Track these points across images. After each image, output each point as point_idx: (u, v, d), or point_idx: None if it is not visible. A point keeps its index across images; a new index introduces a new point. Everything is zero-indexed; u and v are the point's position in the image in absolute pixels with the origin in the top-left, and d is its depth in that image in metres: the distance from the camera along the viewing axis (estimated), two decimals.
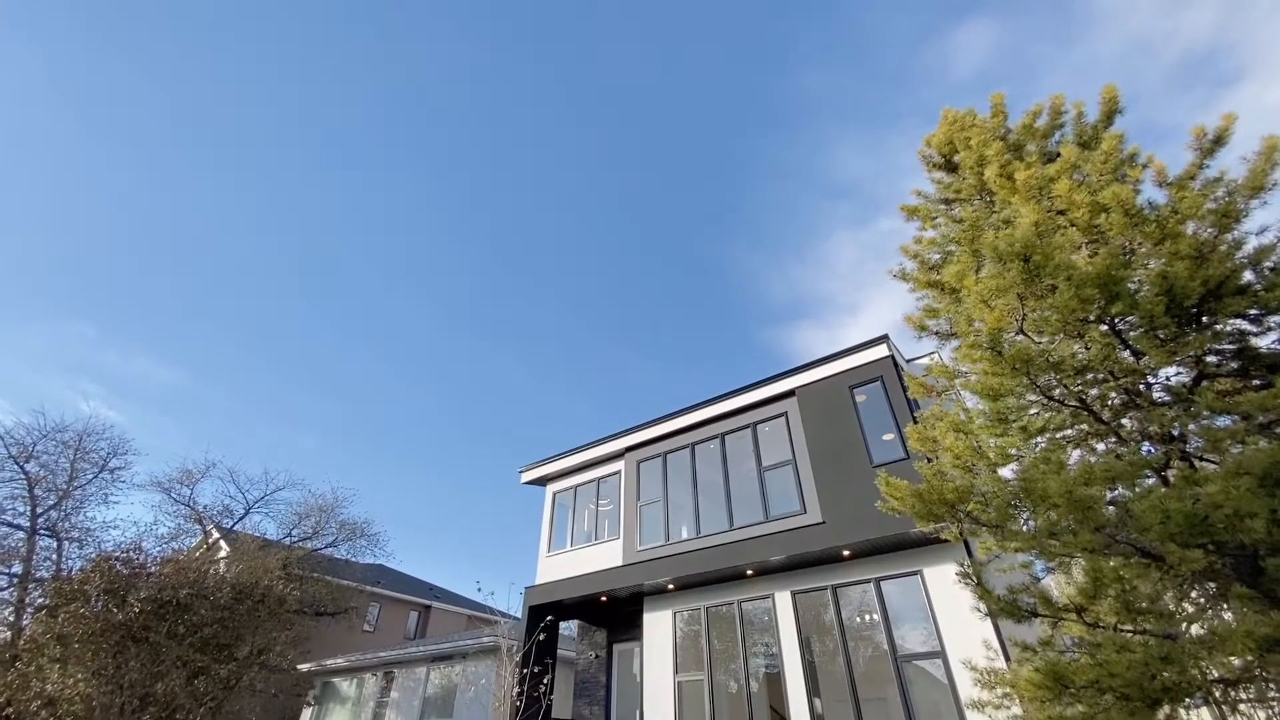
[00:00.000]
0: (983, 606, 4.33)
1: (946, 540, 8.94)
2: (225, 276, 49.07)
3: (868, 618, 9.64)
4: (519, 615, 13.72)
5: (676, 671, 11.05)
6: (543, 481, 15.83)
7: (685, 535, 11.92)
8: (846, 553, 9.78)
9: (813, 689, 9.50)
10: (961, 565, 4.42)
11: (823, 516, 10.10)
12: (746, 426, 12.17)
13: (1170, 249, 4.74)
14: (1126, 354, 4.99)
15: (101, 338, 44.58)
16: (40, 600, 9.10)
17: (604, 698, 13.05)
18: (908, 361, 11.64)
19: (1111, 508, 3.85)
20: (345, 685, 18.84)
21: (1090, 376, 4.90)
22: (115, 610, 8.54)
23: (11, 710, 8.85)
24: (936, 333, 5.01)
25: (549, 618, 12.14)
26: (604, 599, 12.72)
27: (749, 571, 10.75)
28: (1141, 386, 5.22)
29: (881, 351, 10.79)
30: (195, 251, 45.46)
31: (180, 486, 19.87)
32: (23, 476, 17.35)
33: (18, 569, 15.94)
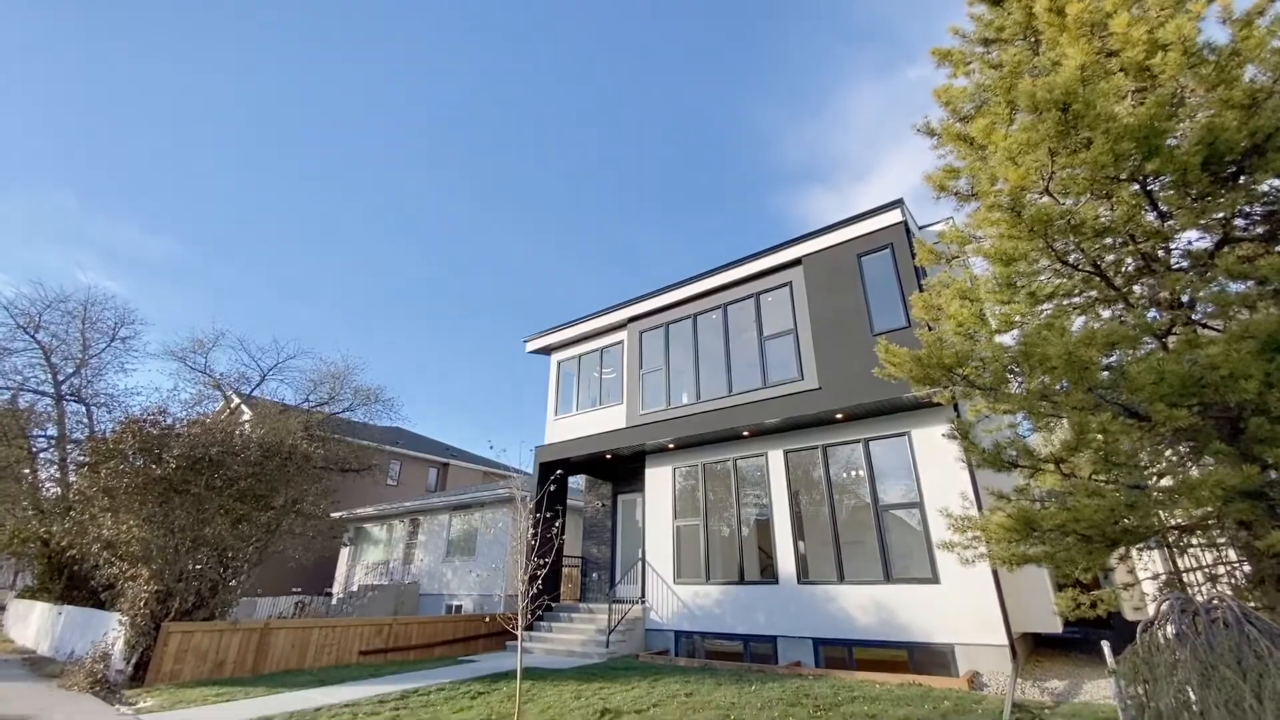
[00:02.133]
0: (969, 459, 4.59)
1: (937, 404, 9.33)
2: (209, 146, 46.06)
3: (854, 474, 10.34)
4: (530, 472, 14.80)
5: (675, 518, 12.13)
6: (547, 351, 16.15)
7: (685, 401, 12.41)
8: (839, 416, 10.23)
9: (798, 534, 10.47)
10: (951, 424, 4.61)
11: (819, 383, 10.41)
12: (749, 297, 12.11)
13: (1222, 96, 4.31)
14: (1151, 216, 4.76)
15: (83, 205, 43.01)
16: (80, 458, 9.75)
17: (610, 539, 14.47)
18: (919, 229, 11.26)
19: (1106, 373, 3.91)
20: (376, 530, 20.87)
21: (1108, 241, 4.72)
22: (154, 466, 9.15)
23: (75, 552, 9.95)
24: (956, 193, 4.74)
25: (558, 471, 13.01)
26: (609, 456, 13.58)
27: (745, 433, 11.34)
28: (1160, 252, 5.06)
29: (894, 217, 10.38)
30: (175, 118, 42.25)
31: (194, 355, 20.41)
32: (36, 346, 17.75)
33: (53, 432, 16.96)
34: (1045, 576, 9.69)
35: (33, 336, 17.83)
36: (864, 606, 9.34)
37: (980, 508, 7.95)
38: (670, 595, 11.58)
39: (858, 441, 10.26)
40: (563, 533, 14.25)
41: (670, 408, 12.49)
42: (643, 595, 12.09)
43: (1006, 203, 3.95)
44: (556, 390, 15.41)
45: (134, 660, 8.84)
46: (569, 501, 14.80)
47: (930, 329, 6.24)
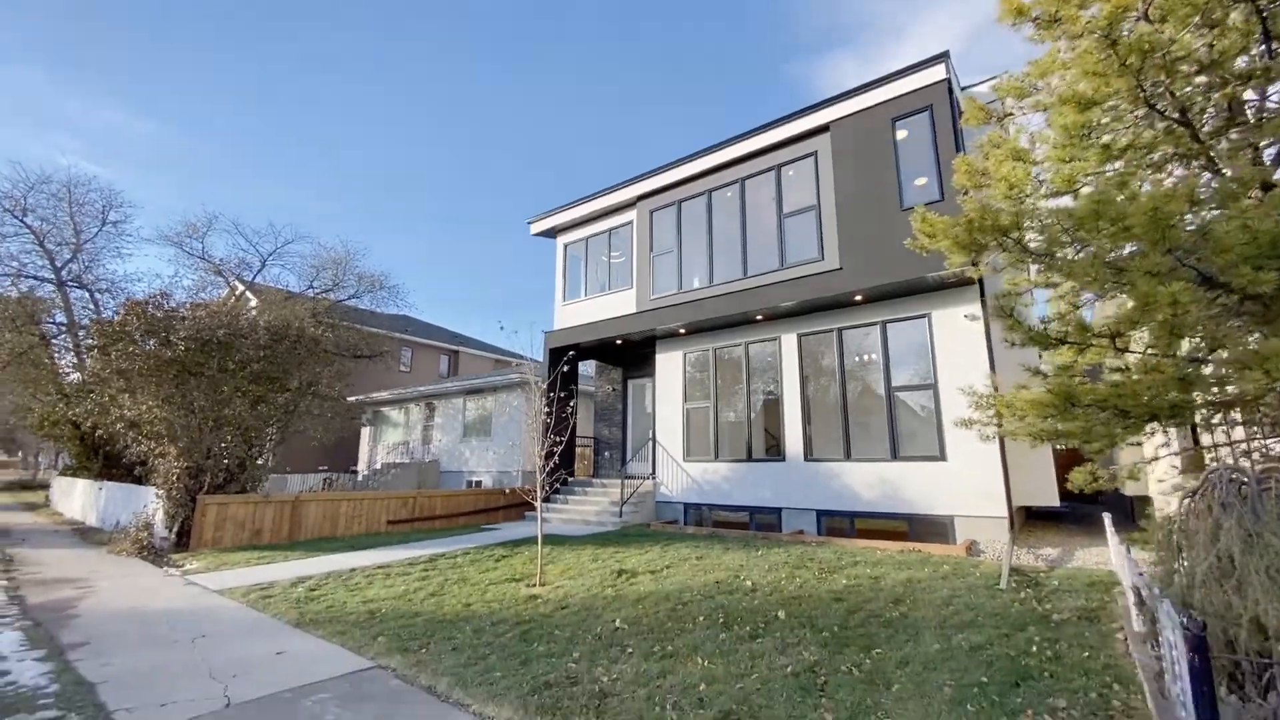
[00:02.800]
0: (1010, 338, 4.33)
1: (962, 284, 8.94)
2: (191, 20, 41.57)
3: (867, 357, 10.20)
4: (540, 359, 14.85)
5: (685, 401, 12.26)
6: (553, 233, 15.49)
7: (697, 284, 12.02)
8: (859, 298, 9.88)
9: (807, 416, 10.57)
10: (998, 298, 4.29)
11: (840, 263, 9.94)
12: (769, 170, 11.25)
13: None
14: (1258, 50, 4.07)
15: (53, 83, 39.95)
16: (90, 342, 9.72)
17: (621, 422, 14.83)
18: (962, 90, 10.12)
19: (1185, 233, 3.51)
20: (394, 414, 21.55)
21: (1202, 80, 4.07)
22: (164, 349, 9.10)
23: (101, 432, 10.27)
24: (1035, 19, 3.99)
25: (570, 352, 12.96)
26: (619, 342, 13.49)
27: (759, 317, 11.08)
28: (1252, 97, 4.41)
29: (937, 74, 9.27)
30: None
31: (190, 240, 19.84)
32: (27, 231, 17.22)
33: (61, 318, 17.00)
34: (1048, 453, 9.88)
35: (22, 220, 17.24)
36: (869, 482, 9.63)
37: (995, 388, 7.85)
38: (680, 472, 12.01)
39: (875, 324, 10.00)
40: (575, 413, 14.58)
41: (682, 292, 12.13)
42: (653, 472, 12.57)
43: (1102, 26, 3.30)
44: (564, 275, 14.98)
45: (175, 529, 9.42)
46: (580, 387, 14.97)
47: (968, 196, 5.71)
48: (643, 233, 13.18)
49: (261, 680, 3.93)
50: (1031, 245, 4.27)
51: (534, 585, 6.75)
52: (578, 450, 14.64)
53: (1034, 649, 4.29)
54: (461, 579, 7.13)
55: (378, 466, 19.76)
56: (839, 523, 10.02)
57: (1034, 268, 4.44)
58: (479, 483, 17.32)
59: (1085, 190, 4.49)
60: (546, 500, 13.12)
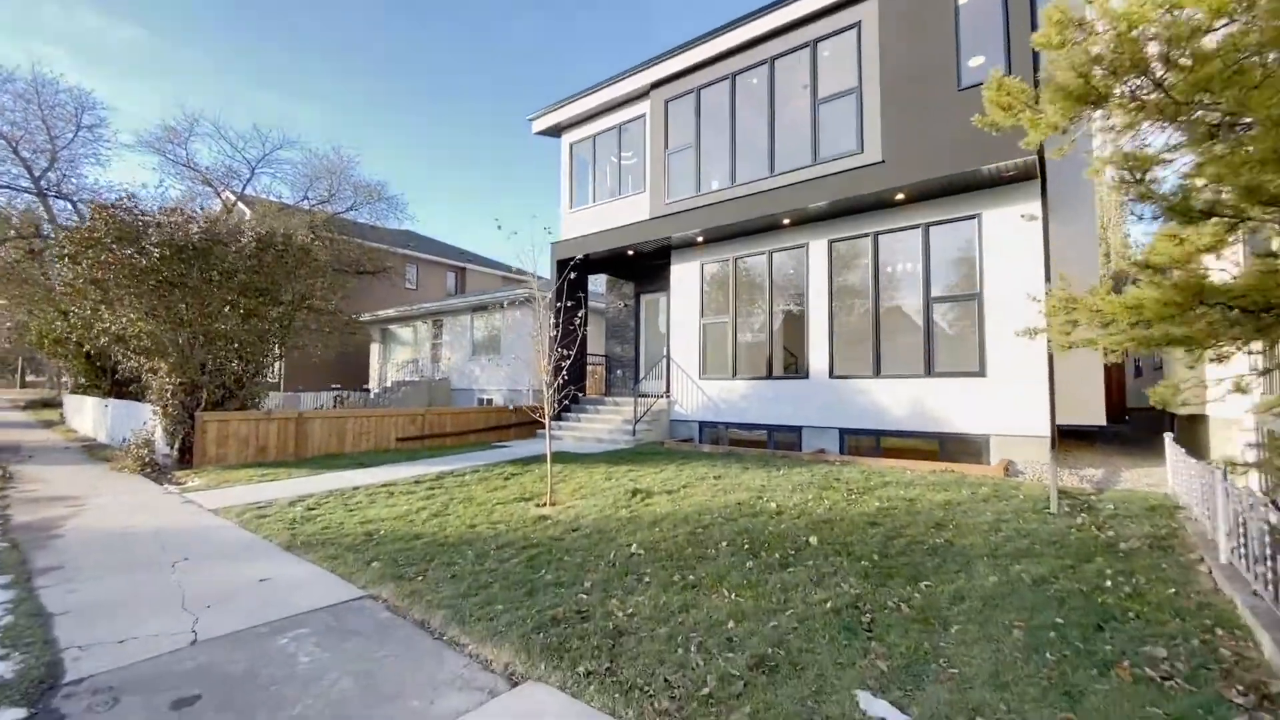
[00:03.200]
0: (1142, 207, 3.46)
1: (1023, 178, 7.80)
2: None
3: (905, 265, 9.25)
4: (547, 275, 14.00)
5: (702, 315, 11.50)
6: (557, 131, 14.12)
7: (717, 186, 10.88)
8: (900, 196, 8.78)
9: (834, 330, 9.80)
10: (1127, 160, 3.36)
11: (883, 155, 8.76)
12: (804, 46, 9.77)
13: None
14: None
15: None
16: (61, 250, 9.07)
17: (633, 338, 14.18)
18: None
19: None
20: (402, 331, 21.09)
21: None
22: (139, 256, 8.40)
23: (88, 346, 9.84)
24: None
25: (578, 257, 12.09)
26: (630, 253, 12.56)
27: (785, 220, 10.04)
28: None
29: None
30: None
31: (171, 146, 18.61)
32: None
33: (49, 231, 16.27)
34: (1098, 369, 9.12)
35: None
36: (898, 400, 9.01)
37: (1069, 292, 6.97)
38: (695, 390, 11.48)
39: (916, 227, 8.96)
40: (585, 325, 13.89)
41: (700, 194, 11.02)
42: (667, 390, 12.05)
43: None
44: (571, 179, 13.78)
45: (177, 445, 9.16)
46: (591, 304, 14.21)
47: (1058, 57, 4.59)
48: (657, 127, 11.85)
49: (237, 611, 3.54)
50: (1178, 86, 3.28)
51: (543, 505, 6.36)
52: (589, 368, 14.12)
53: (1108, 584, 3.76)
54: (468, 498, 6.77)
55: (389, 384, 19.56)
56: (863, 441, 9.51)
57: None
58: (489, 400, 17.06)
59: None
60: (557, 419, 12.78)
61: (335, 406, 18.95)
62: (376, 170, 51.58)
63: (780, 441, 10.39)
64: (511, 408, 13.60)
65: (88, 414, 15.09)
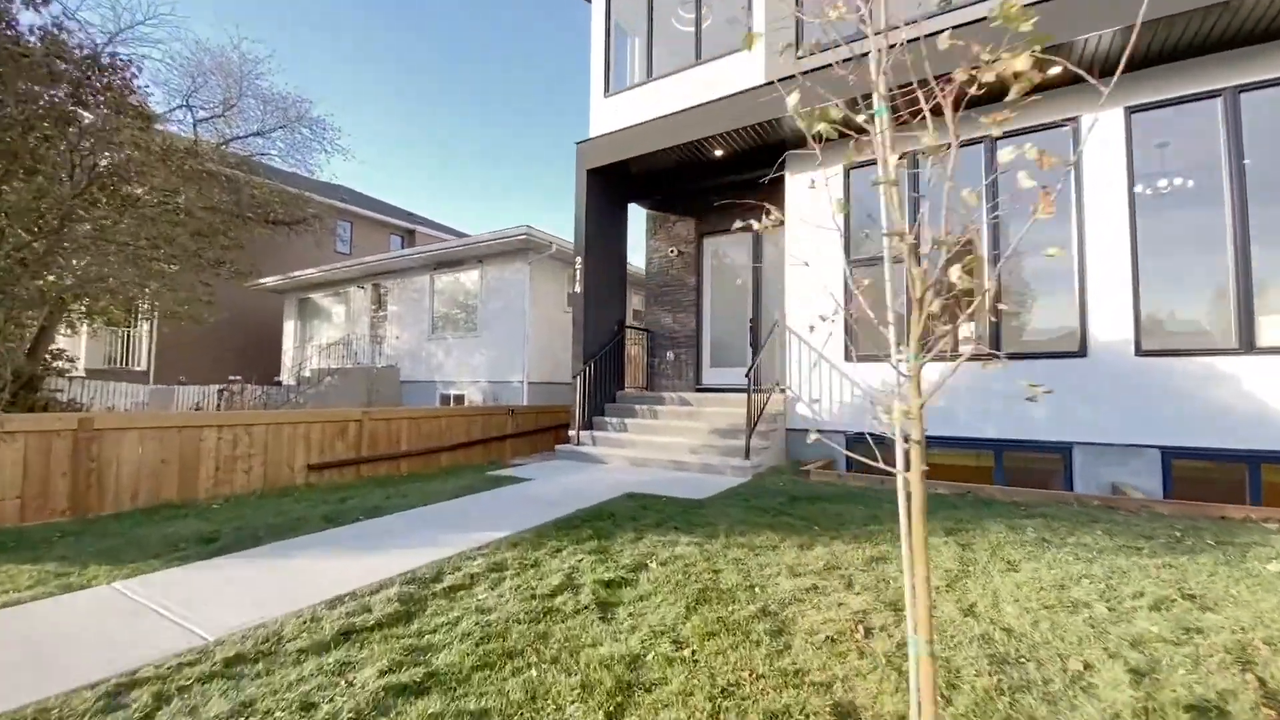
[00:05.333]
0: None
1: None
2: None
3: None
4: (543, 236, 9.07)
5: (849, 252, 6.90)
6: None
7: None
8: None
9: (1137, 274, 5.44)
10: None
11: None
12: None
13: None
14: None
15: None
16: None
17: (694, 305, 9.39)
18: None
19: None
20: (328, 301, 15.38)
21: None
22: None
23: None
24: None
25: (615, 179, 7.13)
26: (714, 154, 7.79)
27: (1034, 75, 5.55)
28: None
29: None
30: None
31: None
32: None
33: None
34: None
35: None
36: None
37: None
38: (836, 381, 6.86)
39: None
40: (626, 283, 9.02)
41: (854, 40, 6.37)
42: (781, 382, 7.37)
43: None
44: (607, 48, 8.81)
45: None
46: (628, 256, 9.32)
47: None
48: None
49: None
50: None
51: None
52: (628, 349, 9.22)
53: None
54: None
55: (306, 374, 13.85)
56: (1213, 471, 5.16)
57: None
58: (461, 398, 11.81)
59: None
60: (587, 426, 7.86)
61: (222, 406, 13.09)
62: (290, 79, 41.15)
63: (1015, 468, 5.93)
64: (510, 409, 8.53)
65: None
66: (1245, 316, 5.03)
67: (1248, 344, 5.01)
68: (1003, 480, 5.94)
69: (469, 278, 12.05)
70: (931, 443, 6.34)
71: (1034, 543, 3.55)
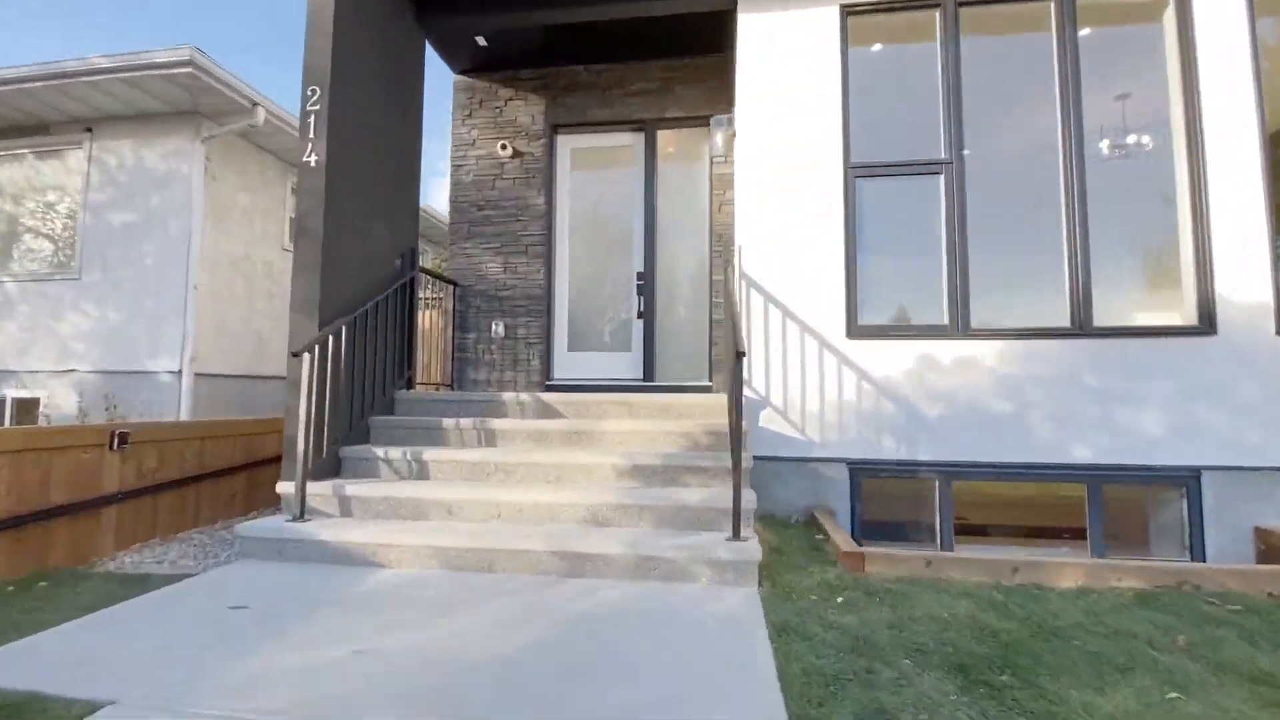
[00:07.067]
0: None
1: None
2: None
3: None
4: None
5: (847, 155, 4.03)
6: None
7: None
8: None
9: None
10: None
11: None
12: None
13: None
14: None
15: None
16: None
17: (542, 241, 5.53)
18: None
19: None
20: None
21: None
22: None
23: None
24: None
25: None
26: None
27: None
28: None
29: None
30: None
31: None
32: None
33: None
34: None
35: None
36: None
37: None
38: (828, 369, 3.94)
39: None
40: (417, 186, 4.78)
41: None
42: (739, 372, 4.12)
43: None
44: None
45: None
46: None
47: None
48: None
49: None
50: None
51: None
52: (422, 314, 4.94)
53: None
54: None
55: None
56: None
57: None
58: (29, 403, 5.77)
59: None
60: (328, 472, 3.53)
61: None
62: None
63: (1123, 507, 3.77)
64: (112, 432, 3.48)
65: None
66: None
67: None
68: (1098, 516, 3.70)
69: (59, 160, 6.03)
70: (972, 469, 3.83)
71: None
